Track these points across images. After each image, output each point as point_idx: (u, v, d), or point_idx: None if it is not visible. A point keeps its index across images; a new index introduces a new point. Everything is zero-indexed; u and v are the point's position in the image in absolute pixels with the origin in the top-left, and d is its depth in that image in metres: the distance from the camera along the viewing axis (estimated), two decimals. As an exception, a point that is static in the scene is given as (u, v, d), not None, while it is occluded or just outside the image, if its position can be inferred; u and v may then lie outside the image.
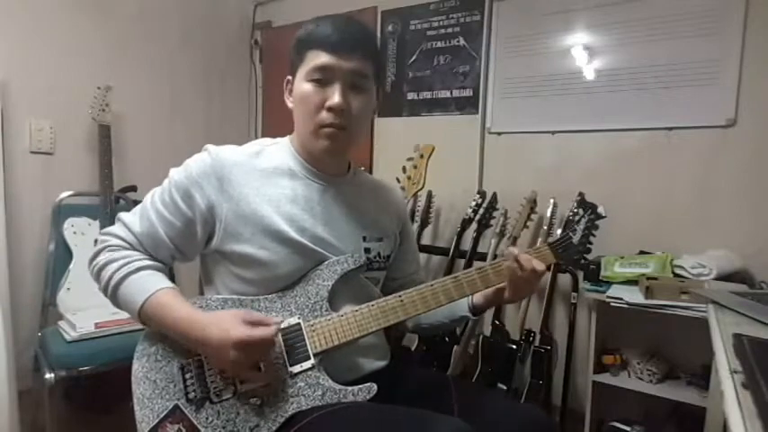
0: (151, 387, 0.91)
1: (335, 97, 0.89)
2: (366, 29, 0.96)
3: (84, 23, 2.16)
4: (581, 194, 1.08)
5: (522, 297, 1.02)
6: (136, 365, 0.94)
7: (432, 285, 0.96)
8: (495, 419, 0.89)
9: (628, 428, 1.78)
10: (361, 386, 0.90)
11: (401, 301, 0.94)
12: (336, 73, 0.90)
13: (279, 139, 1.03)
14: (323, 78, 0.90)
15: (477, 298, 1.06)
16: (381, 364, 1.02)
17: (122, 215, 0.96)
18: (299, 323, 0.91)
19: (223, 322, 0.84)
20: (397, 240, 1.11)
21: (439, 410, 0.83)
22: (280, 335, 0.89)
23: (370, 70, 0.94)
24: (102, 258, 0.93)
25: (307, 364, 0.89)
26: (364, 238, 1.01)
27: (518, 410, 0.96)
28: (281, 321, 0.89)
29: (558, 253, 1.03)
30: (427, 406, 0.86)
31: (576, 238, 1.05)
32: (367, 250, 1.01)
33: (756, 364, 0.71)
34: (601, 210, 1.06)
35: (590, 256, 1.81)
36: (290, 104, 0.98)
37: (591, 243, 1.06)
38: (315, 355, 0.89)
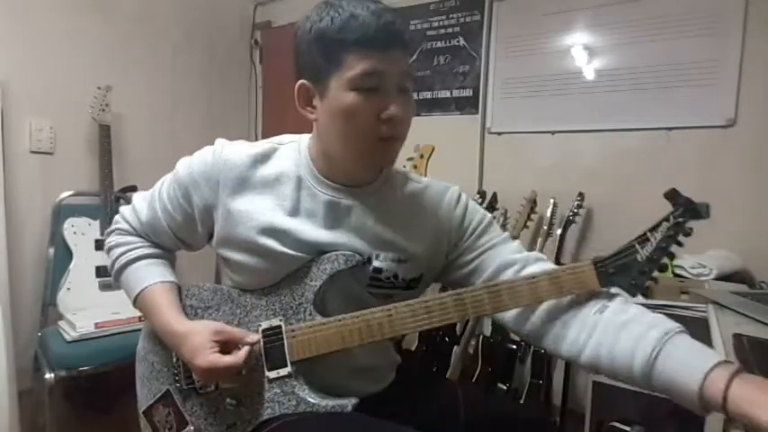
0: (149, 368, 0.95)
1: (394, 107, 0.76)
2: (398, 16, 0.79)
3: (83, 23, 2.16)
4: (674, 189, 0.72)
5: None
6: (140, 344, 0.99)
7: (425, 301, 0.79)
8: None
9: (628, 428, 1.78)
10: (336, 402, 0.82)
11: (389, 315, 0.79)
12: (387, 78, 0.76)
13: (300, 137, 0.91)
14: (372, 86, 0.76)
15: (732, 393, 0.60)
16: (377, 388, 0.94)
17: (135, 198, 0.97)
18: (279, 326, 0.85)
19: (194, 343, 0.82)
20: (439, 259, 0.91)
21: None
22: (261, 336, 0.85)
23: (411, 65, 0.82)
24: (111, 240, 0.97)
25: (283, 371, 0.84)
26: (377, 257, 0.86)
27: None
28: (257, 340, 0.84)
29: (606, 275, 0.74)
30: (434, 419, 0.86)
31: (645, 252, 0.71)
32: (377, 270, 0.86)
33: (756, 364, 0.71)
34: (700, 207, 0.71)
35: (590, 256, 1.80)
36: (311, 116, 0.83)
37: (672, 256, 0.71)
38: (292, 363, 0.84)
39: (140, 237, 0.96)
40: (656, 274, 0.71)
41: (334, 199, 0.86)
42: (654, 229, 0.72)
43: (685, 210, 0.71)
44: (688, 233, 0.71)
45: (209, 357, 0.80)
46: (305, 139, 0.90)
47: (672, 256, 0.71)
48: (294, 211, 0.85)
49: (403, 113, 0.78)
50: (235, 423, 0.87)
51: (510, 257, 0.87)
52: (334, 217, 0.85)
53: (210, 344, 0.81)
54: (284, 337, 0.84)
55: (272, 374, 0.84)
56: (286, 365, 0.84)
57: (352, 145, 0.80)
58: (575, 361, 0.77)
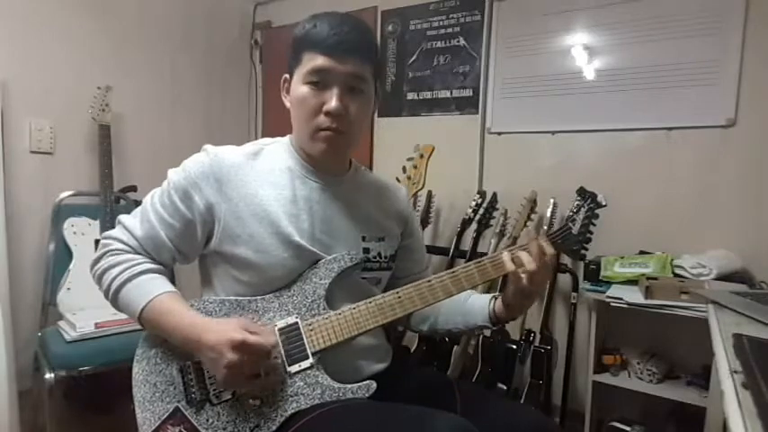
0: (151, 390, 0.91)
1: (332, 102, 0.88)
2: (363, 29, 0.92)
3: (84, 23, 2.16)
4: (582, 187, 1.06)
5: (543, 284, 0.97)
6: (136, 368, 0.94)
7: (429, 281, 0.94)
8: (498, 421, 0.88)
9: (628, 428, 1.78)
10: (360, 384, 0.90)
11: (398, 297, 0.93)
12: (333, 76, 0.88)
13: (279, 139, 1.02)
14: (320, 81, 0.88)
15: (498, 307, 1.01)
16: (382, 366, 1.02)
17: (123, 218, 0.96)
18: (296, 322, 0.91)
19: (222, 326, 0.84)
20: (399, 240, 1.10)
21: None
22: (278, 335, 0.89)
23: (369, 72, 0.92)
24: (104, 263, 0.93)
25: (305, 364, 0.89)
26: (363, 238, 1.00)
27: (521, 413, 0.95)
28: (277, 343, 0.88)
29: (557, 244, 0.99)
30: (430, 406, 0.85)
31: (575, 228, 1.01)
32: (366, 250, 1.00)
33: (756, 364, 0.71)
34: (600, 198, 1.02)
35: (590, 256, 1.79)
36: (287, 104, 0.97)
37: (591, 233, 1.02)
38: (313, 354, 0.89)
39: (138, 254, 0.93)
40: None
41: (321, 185, 0.97)
42: (577, 212, 1.02)
43: (591, 200, 1.02)
44: (596, 216, 1.02)
45: (242, 333, 0.82)
46: (283, 139, 1.02)
47: (590, 232, 1.02)
48: (294, 199, 0.94)
49: (342, 109, 0.89)
50: (258, 425, 0.87)
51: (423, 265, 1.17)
52: (325, 205, 0.97)
53: (241, 327, 0.83)
54: (302, 331, 0.90)
55: (293, 368, 0.88)
56: (307, 358, 0.89)
57: (302, 129, 0.93)
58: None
